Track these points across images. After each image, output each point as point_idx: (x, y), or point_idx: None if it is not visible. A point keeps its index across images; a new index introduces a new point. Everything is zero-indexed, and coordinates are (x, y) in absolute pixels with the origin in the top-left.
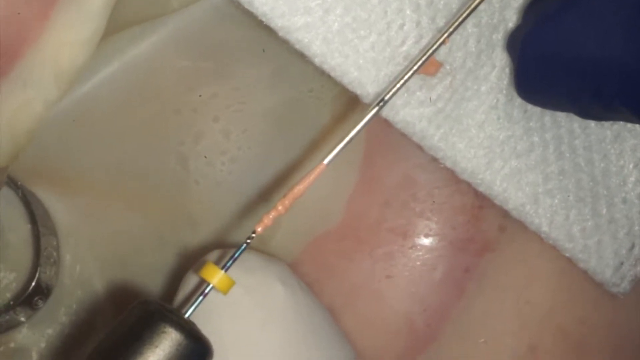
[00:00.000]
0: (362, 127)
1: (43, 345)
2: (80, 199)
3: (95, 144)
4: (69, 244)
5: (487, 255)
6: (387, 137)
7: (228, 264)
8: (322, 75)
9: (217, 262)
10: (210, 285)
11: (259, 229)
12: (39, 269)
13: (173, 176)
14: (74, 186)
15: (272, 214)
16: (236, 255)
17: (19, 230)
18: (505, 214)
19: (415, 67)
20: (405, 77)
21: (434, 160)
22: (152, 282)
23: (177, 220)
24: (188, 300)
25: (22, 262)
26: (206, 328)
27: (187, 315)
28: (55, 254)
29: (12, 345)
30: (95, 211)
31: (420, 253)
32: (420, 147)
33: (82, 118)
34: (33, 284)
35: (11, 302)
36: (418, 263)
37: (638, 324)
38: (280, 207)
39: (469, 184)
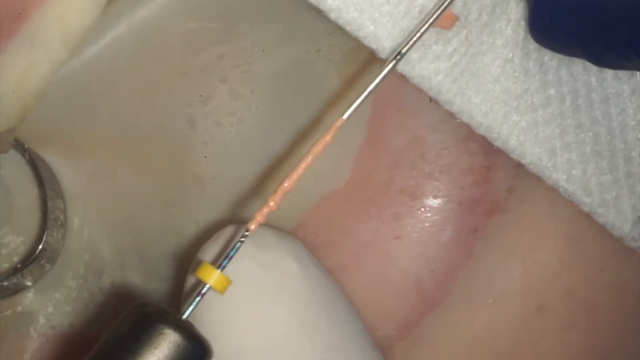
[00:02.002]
0: (379, 81)
1: (50, 309)
2: (87, 162)
3: (103, 105)
4: (76, 207)
5: (495, 216)
6: (395, 96)
7: (224, 263)
8: (330, 35)
9: (229, 240)
10: (208, 286)
11: (252, 227)
12: (46, 232)
13: (181, 137)
14: (80, 149)
15: (265, 211)
16: (231, 254)
17: (26, 194)
18: (514, 175)
19: (431, 20)
20: (422, 30)
21: (443, 120)
22: (159, 244)
23: (184, 181)
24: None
25: (29, 226)
26: (218, 302)
27: (185, 316)
28: (62, 217)
29: (19, 309)
30: (103, 173)
31: (429, 214)
32: (428, 107)
33: (89, 79)
34: (40, 247)
35: (18, 265)
36: (426, 224)
37: None
38: (271, 204)
39: (478, 145)
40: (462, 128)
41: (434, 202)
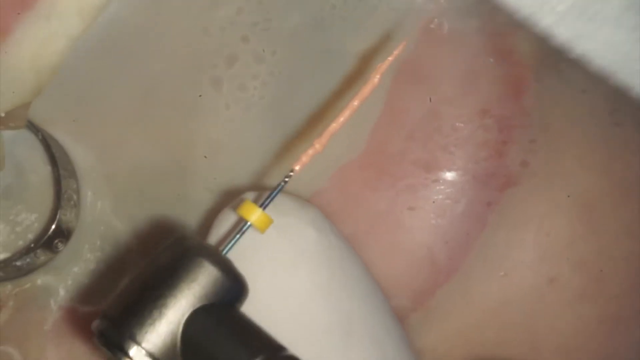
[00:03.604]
0: None
1: (70, 282)
2: (98, 134)
3: (120, 73)
4: (89, 181)
5: (509, 189)
6: (413, 68)
7: (266, 202)
8: None
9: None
10: (249, 223)
11: (297, 168)
12: (59, 211)
13: (201, 101)
14: (92, 122)
15: (310, 152)
16: (274, 193)
17: (40, 172)
18: (528, 149)
19: None
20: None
21: (459, 95)
22: (173, 213)
23: (197, 148)
24: (224, 237)
25: (43, 203)
26: (237, 265)
27: (224, 252)
28: (75, 196)
29: (38, 282)
30: (114, 145)
31: (443, 186)
32: (445, 82)
33: (105, 47)
34: (53, 226)
35: (32, 245)
36: (440, 196)
37: None
38: (317, 145)
39: (493, 121)
40: (478, 103)
41: (448, 175)
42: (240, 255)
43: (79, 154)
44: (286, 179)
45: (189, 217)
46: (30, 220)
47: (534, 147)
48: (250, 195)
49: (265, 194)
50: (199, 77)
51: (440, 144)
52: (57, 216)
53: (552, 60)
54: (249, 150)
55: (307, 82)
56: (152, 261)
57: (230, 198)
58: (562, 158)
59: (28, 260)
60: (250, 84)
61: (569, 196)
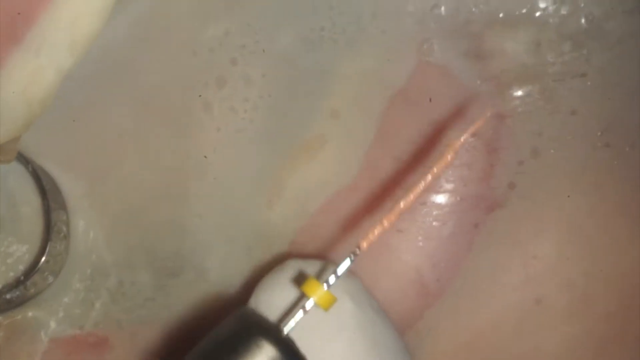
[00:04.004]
0: None
1: (61, 314)
2: (91, 163)
3: (109, 100)
4: (81, 210)
5: (496, 211)
6: (407, 92)
7: (330, 280)
8: (331, 10)
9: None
10: (312, 301)
11: (365, 245)
12: (49, 244)
13: (192, 124)
14: (85, 151)
15: (378, 229)
16: (339, 273)
17: (31, 203)
18: (516, 171)
19: None
20: None
21: (450, 117)
22: (164, 240)
23: (187, 172)
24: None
25: (35, 235)
26: None
27: (286, 332)
28: (65, 228)
29: (29, 314)
30: (106, 174)
31: (431, 209)
32: (432, 104)
33: (94, 74)
34: (43, 259)
35: (22, 278)
36: (428, 218)
37: None
38: (385, 223)
39: (482, 143)
40: (467, 126)
41: (436, 198)
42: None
43: (69, 184)
44: (352, 257)
45: (180, 243)
46: (22, 252)
47: (521, 168)
48: (292, 264)
49: (325, 268)
50: (189, 100)
51: (429, 167)
52: (47, 249)
53: (541, 81)
54: (241, 174)
55: (297, 105)
56: (214, 335)
57: (217, 224)
58: (550, 179)
59: (18, 293)
60: (240, 106)
61: (556, 217)
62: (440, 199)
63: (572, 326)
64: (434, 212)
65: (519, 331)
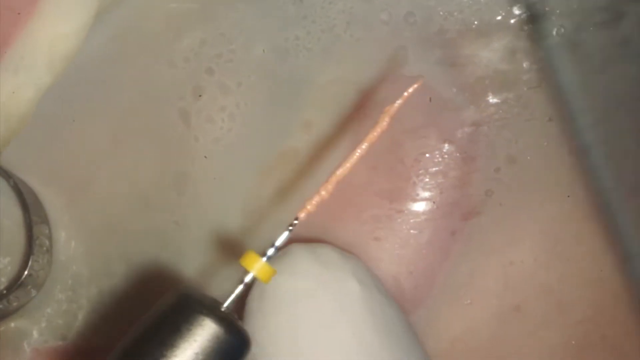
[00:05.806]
0: None
1: (44, 324)
2: (71, 175)
3: (87, 113)
4: (62, 222)
5: (473, 218)
6: (378, 98)
7: (269, 253)
8: (305, 19)
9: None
10: (251, 275)
11: (302, 216)
12: (31, 257)
13: (170, 134)
14: (65, 163)
15: (316, 199)
16: (277, 244)
17: (13, 217)
18: (493, 178)
19: None
20: None
21: (422, 126)
22: (143, 249)
23: (164, 181)
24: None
25: (16, 247)
26: (277, 318)
27: (225, 306)
28: (47, 242)
29: (12, 325)
30: (86, 186)
31: (408, 217)
32: (408, 113)
33: (72, 88)
34: (25, 273)
35: (4, 291)
36: (405, 226)
37: (619, 279)
38: (323, 192)
39: (457, 150)
40: (441, 133)
41: (412, 206)
42: (280, 309)
43: (50, 196)
44: (290, 228)
45: (159, 252)
46: (3, 264)
47: (498, 175)
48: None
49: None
50: (167, 111)
51: (403, 175)
52: (29, 263)
53: (516, 88)
54: (219, 182)
55: (274, 113)
56: (153, 315)
57: (195, 231)
58: (526, 186)
59: (1, 306)
60: (217, 116)
61: (532, 223)
62: (417, 206)
63: (550, 332)
64: (411, 220)
65: (498, 338)
